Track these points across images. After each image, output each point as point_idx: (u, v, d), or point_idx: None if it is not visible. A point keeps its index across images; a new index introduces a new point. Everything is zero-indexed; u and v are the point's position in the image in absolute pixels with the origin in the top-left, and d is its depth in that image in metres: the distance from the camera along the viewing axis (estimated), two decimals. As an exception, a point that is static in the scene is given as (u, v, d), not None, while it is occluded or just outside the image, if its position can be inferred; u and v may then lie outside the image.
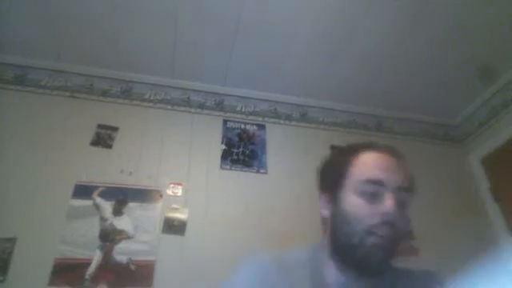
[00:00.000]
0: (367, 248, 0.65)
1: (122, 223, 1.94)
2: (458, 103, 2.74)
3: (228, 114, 2.51)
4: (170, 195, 2.10)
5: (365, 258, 0.66)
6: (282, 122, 2.58)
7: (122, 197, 2.01)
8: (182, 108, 2.44)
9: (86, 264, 1.79)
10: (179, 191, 2.12)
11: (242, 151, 2.38)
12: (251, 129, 2.50)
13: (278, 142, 2.48)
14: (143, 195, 2.04)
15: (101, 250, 1.84)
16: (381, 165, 0.73)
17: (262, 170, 2.34)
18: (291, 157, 2.43)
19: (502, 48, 2.27)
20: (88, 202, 1.95)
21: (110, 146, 2.16)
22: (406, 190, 0.72)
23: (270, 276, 0.72)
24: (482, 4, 2.01)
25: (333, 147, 2.41)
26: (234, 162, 2.33)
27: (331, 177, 0.76)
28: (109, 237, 1.89)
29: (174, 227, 2.00)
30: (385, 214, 0.67)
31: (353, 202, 0.69)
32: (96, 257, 1.82)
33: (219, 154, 2.33)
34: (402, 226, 0.69)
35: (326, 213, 0.76)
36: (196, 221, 2.05)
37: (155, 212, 2.02)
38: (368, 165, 0.72)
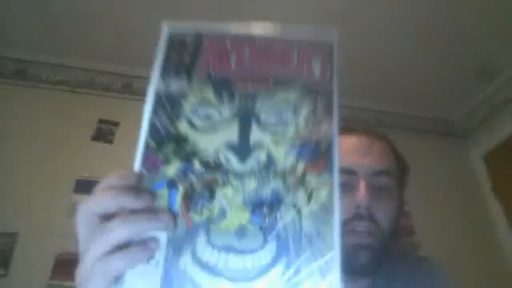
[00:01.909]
0: (349, 249, 0.57)
1: (123, 218, 1.95)
2: (459, 99, 2.73)
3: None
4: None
5: (350, 260, 0.57)
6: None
7: (123, 192, 2.00)
8: (183, 103, 2.43)
9: (87, 259, 1.80)
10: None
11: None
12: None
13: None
14: (144, 190, 2.04)
15: (102, 245, 1.85)
16: (350, 149, 0.65)
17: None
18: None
19: (503, 44, 2.27)
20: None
21: (110, 141, 2.16)
22: (386, 174, 0.64)
23: None
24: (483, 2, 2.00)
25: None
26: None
27: None
28: (110, 232, 1.89)
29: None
30: (357, 207, 0.59)
31: None
32: (97, 252, 1.83)
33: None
34: (383, 216, 0.62)
35: None
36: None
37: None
38: None
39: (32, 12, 2.03)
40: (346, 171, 0.62)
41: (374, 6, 2.03)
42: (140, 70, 2.41)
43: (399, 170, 0.69)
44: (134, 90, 2.38)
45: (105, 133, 2.17)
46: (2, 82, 2.19)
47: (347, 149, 0.65)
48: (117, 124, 2.22)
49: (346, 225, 0.59)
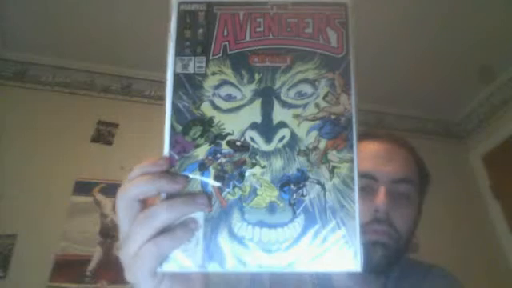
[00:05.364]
0: (364, 245, 0.59)
1: (123, 220, 1.94)
2: (458, 100, 2.73)
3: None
4: (170, 192, 2.09)
5: (364, 256, 0.59)
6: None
7: (122, 193, 2.00)
8: (183, 104, 2.43)
9: (86, 260, 1.80)
10: (180, 188, 2.11)
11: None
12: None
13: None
14: (144, 192, 2.04)
15: (101, 247, 1.85)
16: (372, 155, 0.66)
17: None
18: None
19: (503, 44, 2.26)
20: (88, 199, 1.95)
21: (110, 143, 2.16)
22: (406, 182, 0.66)
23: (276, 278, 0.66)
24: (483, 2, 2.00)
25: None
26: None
27: None
28: (109, 233, 1.89)
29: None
30: (375, 211, 0.61)
31: None
32: (97, 253, 1.82)
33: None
34: (401, 221, 0.64)
35: None
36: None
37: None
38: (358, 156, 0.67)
39: (31, 14, 2.03)
40: (367, 176, 0.64)
41: (372, 7, 2.03)
42: (139, 72, 2.41)
43: (420, 178, 0.70)
44: (133, 91, 2.37)
45: (104, 134, 2.17)
46: (2, 84, 2.18)
47: (369, 155, 0.66)
48: (116, 125, 2.21)
49: (364, 227, 0.59)
